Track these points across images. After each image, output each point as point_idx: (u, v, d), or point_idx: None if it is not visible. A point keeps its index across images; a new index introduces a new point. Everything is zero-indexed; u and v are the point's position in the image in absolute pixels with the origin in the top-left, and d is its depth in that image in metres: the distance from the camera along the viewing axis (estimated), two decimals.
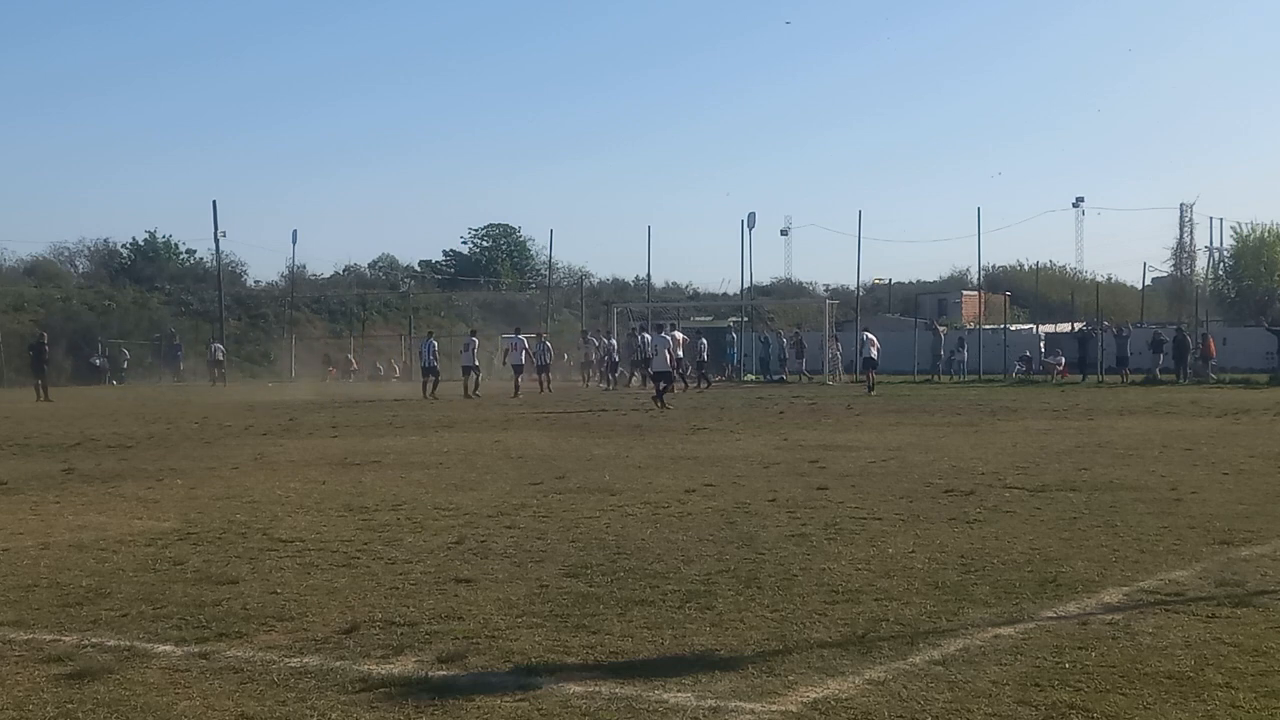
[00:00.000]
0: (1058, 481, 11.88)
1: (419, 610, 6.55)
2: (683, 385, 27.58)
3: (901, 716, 4.72)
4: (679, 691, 5.03)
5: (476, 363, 34.39)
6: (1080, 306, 53.84)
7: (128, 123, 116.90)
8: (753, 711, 4.80)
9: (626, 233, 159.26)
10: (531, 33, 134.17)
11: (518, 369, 34.59)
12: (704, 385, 36.70)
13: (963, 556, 7.92)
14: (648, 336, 28.42)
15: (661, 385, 26.92)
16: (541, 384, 35.92)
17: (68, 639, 6.06)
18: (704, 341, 39.17)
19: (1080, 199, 76.75)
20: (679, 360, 29.85)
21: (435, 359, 34.82)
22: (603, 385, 39.05)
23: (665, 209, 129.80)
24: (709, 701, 4.90)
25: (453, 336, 61.56)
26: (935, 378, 41.98)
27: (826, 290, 74.86)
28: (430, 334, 38.19)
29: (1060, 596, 6.75)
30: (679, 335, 28.21)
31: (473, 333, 37.78)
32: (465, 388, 33.42)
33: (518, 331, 37.56)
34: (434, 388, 33.72)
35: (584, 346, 44.01)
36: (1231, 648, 5.62)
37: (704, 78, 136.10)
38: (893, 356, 41.25)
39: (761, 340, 47.40)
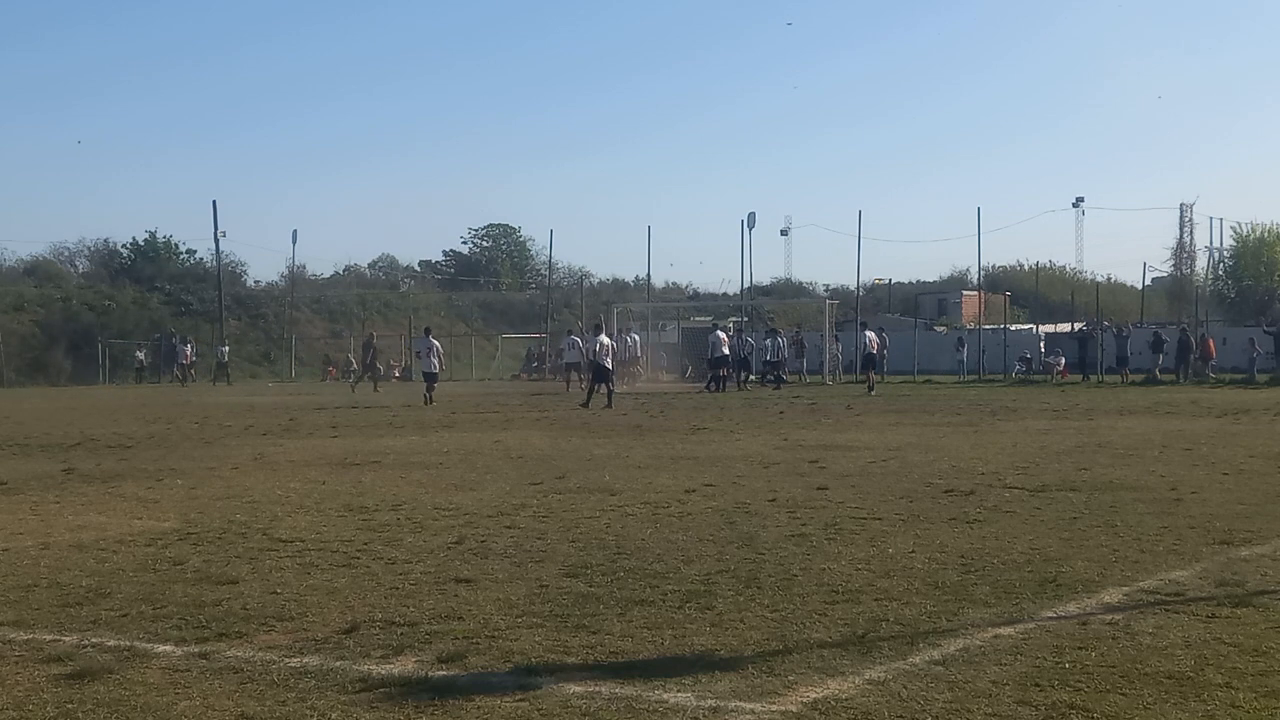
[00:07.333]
0: (1058, 481, 11.88)
1: (419, 610, 6.55)
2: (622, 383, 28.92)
3: (901, 716, 4.72)
4: (679, 691, 5.03)
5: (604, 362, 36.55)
6: (1080, 306, 53.83)
7: (128, 123, 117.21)
8: (753, 711, 4.79)
9: (626, 233, 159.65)
10: (531, 33, 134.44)
11: (570, 367, 35.15)
12: (778, 384, 37.21)
13: (963, 556, 7.92)
14: (604, 340, 29.47)
15: (601, 383, 28.15)
16: (582, 382, 35.95)
17: (68, 639, 6.06)
18: (782, 341, 39.44)
19: (1080, 199, 76.98)
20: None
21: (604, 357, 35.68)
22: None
23: (665, 209, 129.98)
24: (709, 701, 4.90)
25: (453, 337, 61.78)
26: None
27: (826, 290, 74.94)
28: (626, 331, 39.02)
29: (1060, 596, 6.74)
30: (605, 340, 29.54)
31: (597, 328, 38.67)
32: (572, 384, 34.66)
33: (569, 332, 38.35)
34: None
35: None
36: (1231, 648, 5.61)
37: (704, 78, 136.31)
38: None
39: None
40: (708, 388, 35.04)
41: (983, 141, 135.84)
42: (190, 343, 50.56)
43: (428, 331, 32.27)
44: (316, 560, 8.06)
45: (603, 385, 28.10)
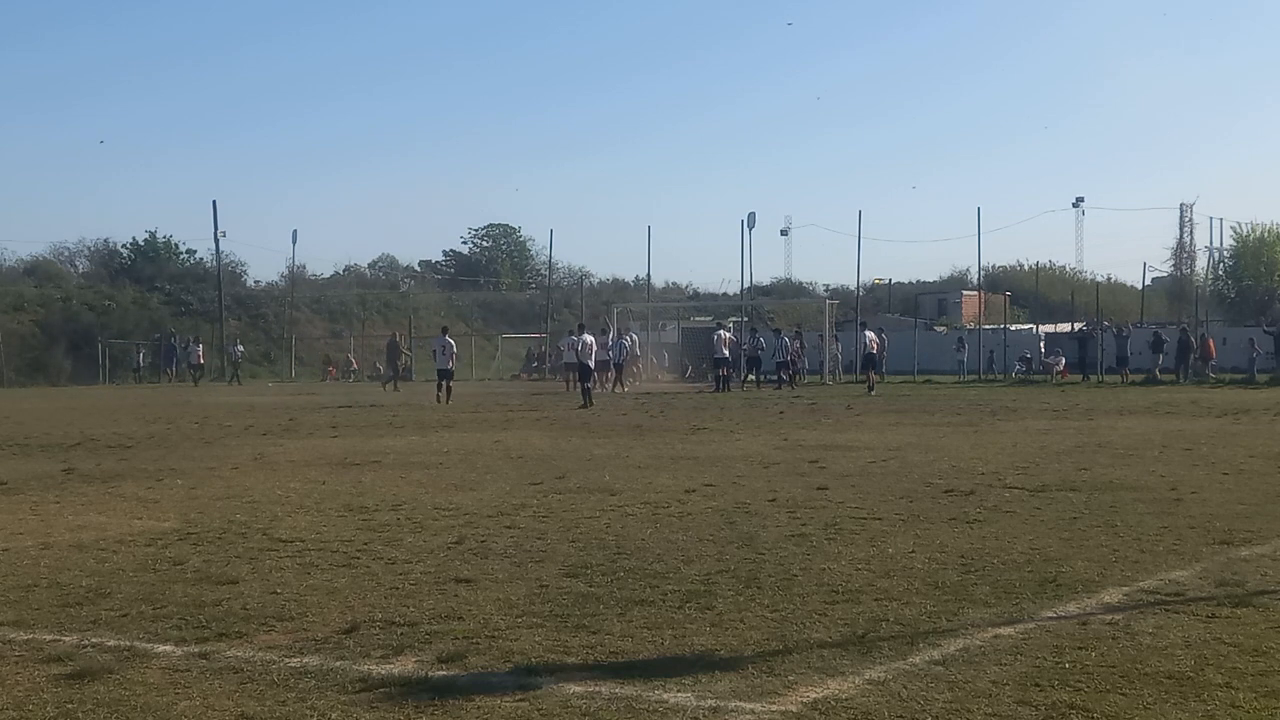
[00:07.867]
0: (1058, 481, 11.88)
1: (419, 610, 6.55)
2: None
3: (901, 716, 4.72)
4: (679, 691, 5.03)
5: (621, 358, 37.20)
6: (1080, 306, 53.82)
7: (128, 123, 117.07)
8: (753, 711, 4.79)
9: (626, 233, 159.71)
10: (531, 33, 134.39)
11: (570, 367, 35.21)
12: (779, 384, 37.27)
13: (963, 556, 7.92)
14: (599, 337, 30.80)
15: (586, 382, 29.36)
16: (604, 381, 35.93)
17: (68, 639, 6.06)
18: (788, 341, 39.52)
19: (1080, 199, 77.02)
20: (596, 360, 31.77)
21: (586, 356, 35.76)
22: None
23: (665, 209, 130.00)
24: (709, 701, 4.90)
25: (453, 337, 61.66)
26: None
27: (826, 290, 74.92)
28: (625, 331, 40.00)
29: (1060, 596, 6.75)
30: (588, 339, 31.06)
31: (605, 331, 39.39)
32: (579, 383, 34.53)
33: (570, 333, 38.47)
34: (615, 383, 35.96)
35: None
36: (1231, 648, 5.61)
37: (704, 78, 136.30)
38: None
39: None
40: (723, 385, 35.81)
41: (983, 141, 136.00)
42: (198, 342, 50.65)
43: (444, 331, 33.62)
44: (316, 560, 8.06)
45: (586, 383, 29.21)
